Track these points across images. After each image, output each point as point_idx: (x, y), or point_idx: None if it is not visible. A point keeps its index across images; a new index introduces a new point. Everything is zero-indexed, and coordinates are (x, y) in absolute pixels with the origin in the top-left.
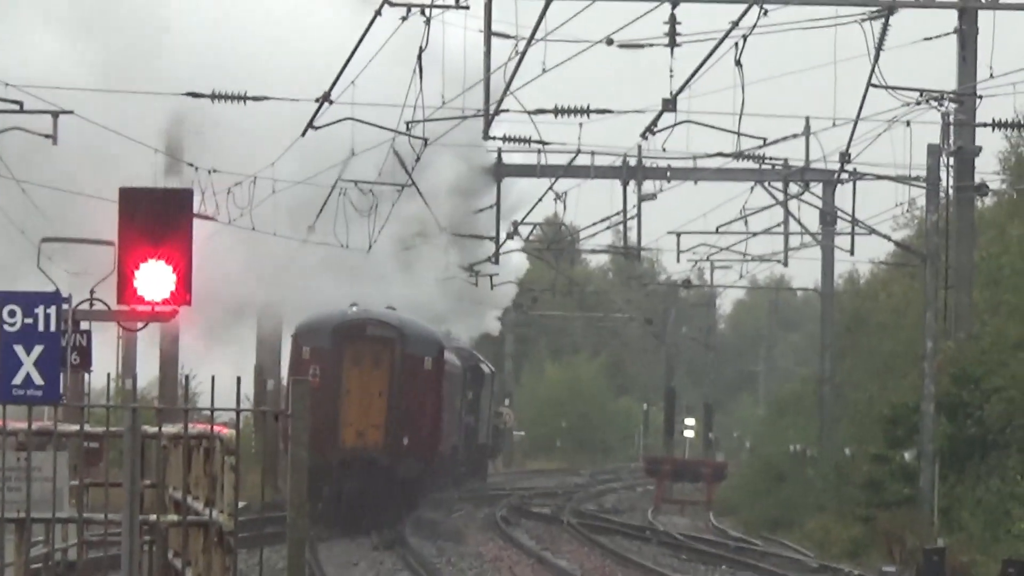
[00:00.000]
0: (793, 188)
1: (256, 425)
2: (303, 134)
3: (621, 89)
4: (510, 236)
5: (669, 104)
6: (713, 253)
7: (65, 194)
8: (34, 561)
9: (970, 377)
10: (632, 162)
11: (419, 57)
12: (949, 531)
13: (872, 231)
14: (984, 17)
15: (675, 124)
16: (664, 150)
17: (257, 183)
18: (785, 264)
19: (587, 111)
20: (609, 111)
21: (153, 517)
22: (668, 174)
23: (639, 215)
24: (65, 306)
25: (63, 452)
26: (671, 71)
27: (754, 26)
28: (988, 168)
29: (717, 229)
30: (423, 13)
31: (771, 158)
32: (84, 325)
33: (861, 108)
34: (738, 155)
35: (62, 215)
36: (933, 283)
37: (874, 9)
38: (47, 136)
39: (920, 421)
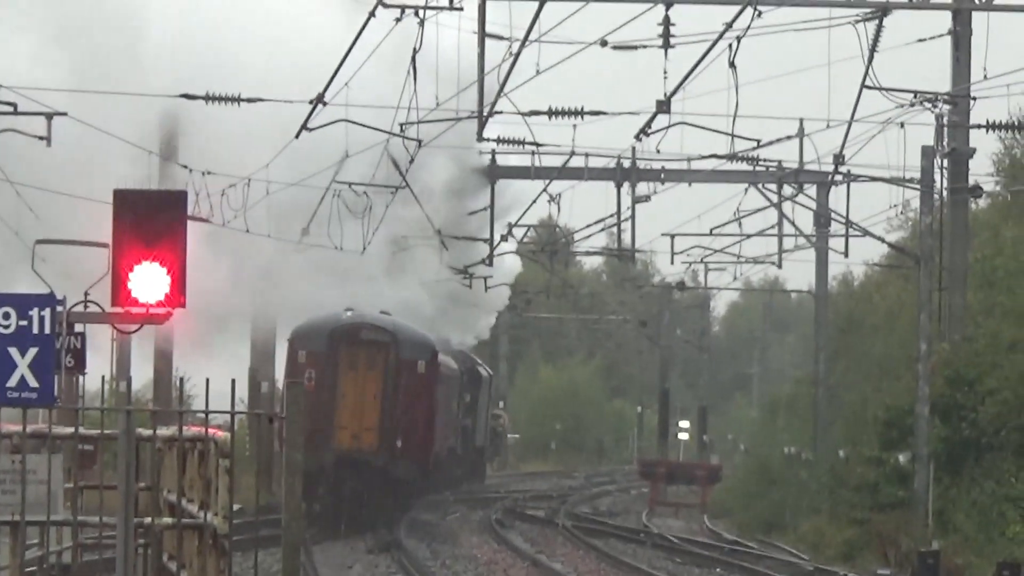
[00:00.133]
0: (787, 190)
1: (250, 428)
2: (297, 136)
3: (615, 91)
4: (504, 238)
5: (663, 106)
6: (707, 255)
7: (58, 196)
8: (29, 564)
9: (964, 379)
10: (626, 164)
11: (413, 59)
12: (943, 533)
13: (866, 233)
14: (978, 18)
15: (669, 126)
16: (658, 152)
17: (251, 185)
18: (779, 266)
19: (581, 113)
20: (603, 113)
21: (148, 520)
22: (662, 176)
23: (633, 217)
24: (59, 308)
25: (58, 455)
26: (665, 73)
27: (748, 27)
28: (982, 170)
29: (711, 231)
30: (417, 14)
31: (765, 160)
32: (78, 327)
33: (855, 110)
34: (732, 157)
35: (55, 217)
36: (927, 285)
37: (868, 10)
38: (41, 138)
39: (914, 423)
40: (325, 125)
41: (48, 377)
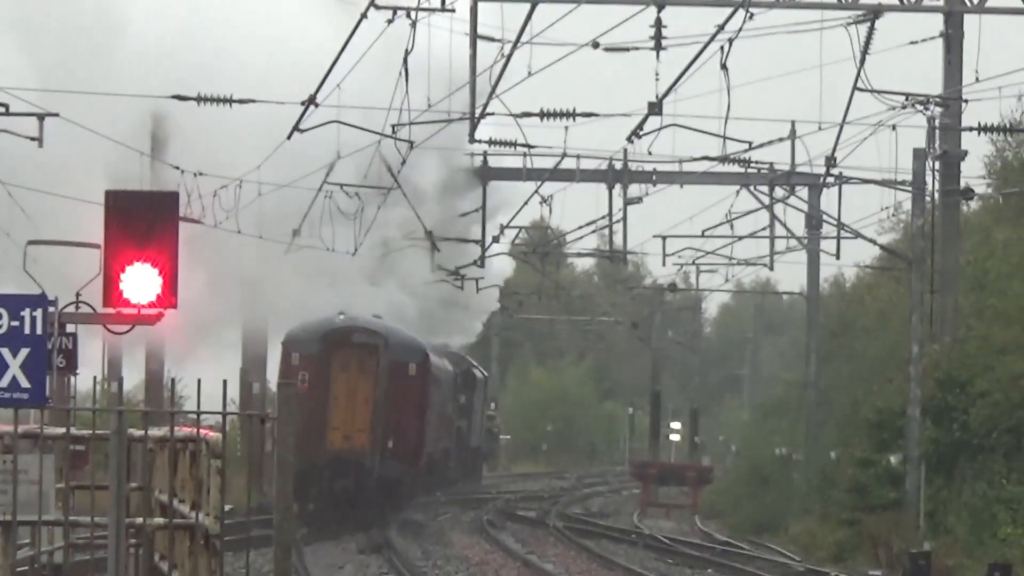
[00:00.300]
0: (779, 192)
1: (242, 428)
2: (289, 137)
3: (607, 92)
4: (496, 239)
5: (655, 108)
6: (699, 257)
7: (48, 196)
8: (20, 564)
9: (956, 381)
10: (618, 165)
11: (405, 60)
12: (935, 535)
13: (858, 235)
14: (970, 21)
15: (661, 128)
16: (650, 153)
17: (243, 186)
18: (771, 268)
19: (573, 114)
20: (595, 114)
21: (139, 520)
22: (654, 178)
23: (625, 219)
24: (51, 309)
25: (49, 455)
26: (657, 75)
27: (740, 30)
28: (974, 172)
29: (703, 233)
30: (409, 16)
31: (757, 162)
32: (70, 328)
33: (847, 112)
34: (724, 159)
35: (42, 216)
36: (919, 287)
37: (860, 13)
38: (32, 139)
39: (906, 425)
40: (317, 126)
41: (40, 377)
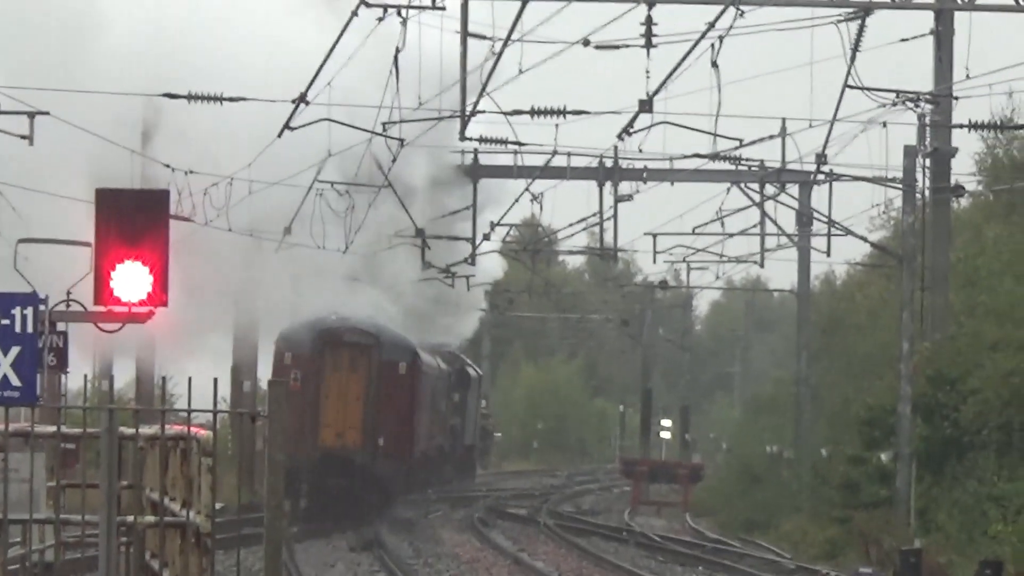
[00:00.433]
0: (769, 189)
1: (233, 427)
2: (279, 135)
3: (597, 90)
4: (486, 237)
5: (645, 105)
6: (689, 254)
7: (37, 194)
8: (11, 562)
9: (946, 378)
10: (608, 163)
11: (395, 58)
12: (925, 532)
13: (848, 232)
14: (960, 18)
15: (651, 125)
16: (640, 151)
17: (234, 184)
18: (761, 265)
19: (563, 112)
20: (585, 112)
21: (130, 518)
22: (644, 175)
23: (615, 216)
24: (42, 307)
25: (40, 453)
26: (647, 72)
27: (730, 27)
28: (964, 169)
29: (693, 230)
30: (399, 14)
31: (747, 159)
32: (61, 326)
33: (837, 109)
34: (714, 156)
35: (34, 216)
36: (909, 284)
37: (850, 10)
38: (23, 137)
39: (896, 422)
40: (307, 124)
41: (30, 376)
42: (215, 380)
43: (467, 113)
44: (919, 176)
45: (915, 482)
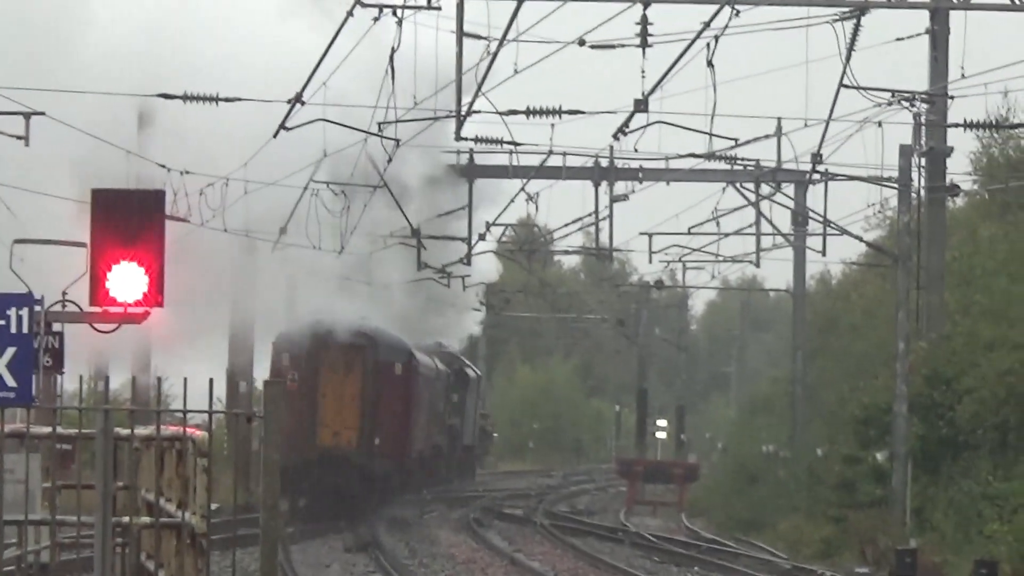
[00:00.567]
0: (765, 189)
1: (228, 427)
2: (275, 135)
3: (593, 90)
4: (482, 237)
5: (641, 105)
6: (685, 254)
7: (31, 194)
8: (7, 563)
9: (942, 378)
10: (604, 163)
11: (391, 58)
12: (921, 532)
13: (844, 232)
14: (955, 17)
15: (647, 125)
16: (636, 151)
17: (229, 185)
18: (757, 265)
19: (559, 112)
20: (581, 112)
21: (126, 519)
22: (640, 175)
23: (611, 216)
24: (37, 308)
25: (36, 454)
26: (643, 72)
27: (726, 27)
28: (960, 169)
29: (689, 230)
30: (395, 14)
31: (743, 159)
32: (56, 327)
33: (833, 109)
34: (710, 156)
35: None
36: (905, 284)
37: (846, 9)
38: (19, 137)
39: (892, 422)
40: (303, 125)
41: (26, 377)
42: (211, 381)
43: (462, 113)
44: (914, 175)
45: (911, 481)
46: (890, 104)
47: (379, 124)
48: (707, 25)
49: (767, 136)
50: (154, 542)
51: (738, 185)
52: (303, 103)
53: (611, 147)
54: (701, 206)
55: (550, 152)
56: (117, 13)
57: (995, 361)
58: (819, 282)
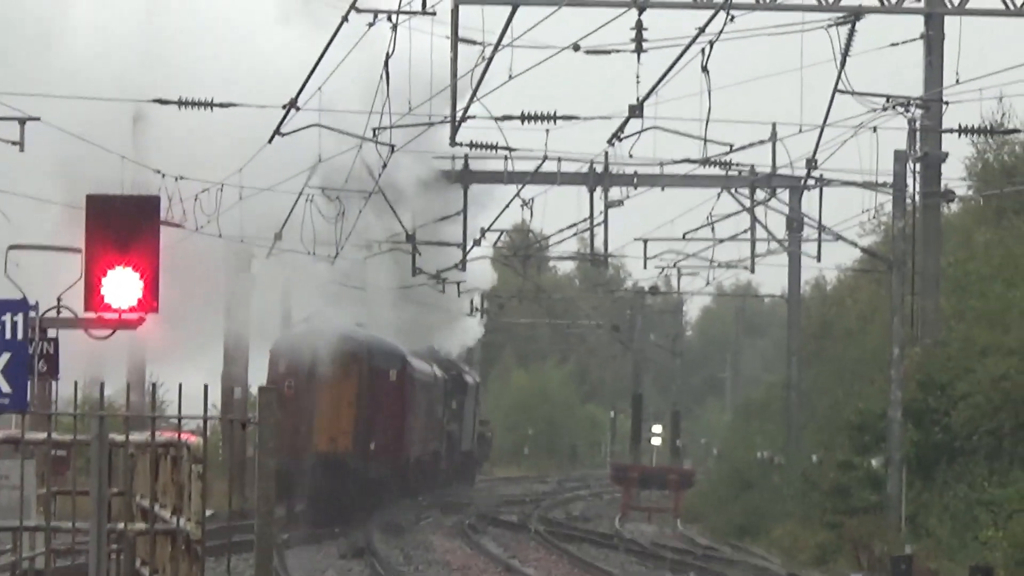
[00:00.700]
0: (760, 194)
1: (223, 433)
2: (270, 141)
3: (588, 95)
4: (476, 243)
5: (635, 110)
6: (680, 259)
7: (29, 200)
8: (1, 569)
9: (937, 383)
10: (599, 168)
11: (386, 63)
12: (916, 538)
13: (839, 237)
14: (950, 22)
15: (642, 130)
16: (631, 156)
17: (224, 190)
18: (752, 270)
19: (554, 117)
20: (576, 117)
21: (121, 525)
22: (635, 180)
23: (606, 221)
24: (32, 313)
25: (30, 460)
26: (637, 77)
27: (720, 32)
28: (954, 174)
29: (684, 235)
30: (390, 19)
31: (738, 164)
32: (51, 333)
33: (828, 114)
34: (705, 161)
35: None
36: (900, 289)
37: (840, 15)
38: (14, 143)
39: (887, 427)
40: (298, 130)
41: (21, 383)
42: (205, 387)
43: (457, 118)
44: (909, 181)
45: (906, 487)
46: (885, 109)
47: (374, 130)
48: (702, 30)
49: (762, 141)
50: (149, 548)
51: (733, 191)
52: (298, 109)
53: (606, 152)
54: (696, 212)
55: (545, 157)
56: (110, 17)
57: (990, 367)
58: (814, 288)
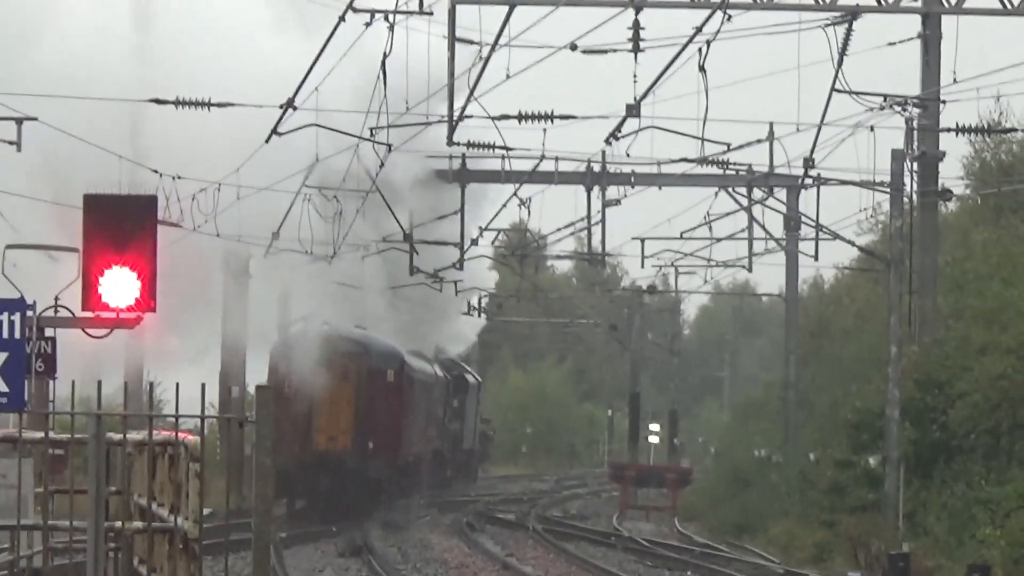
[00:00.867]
0: (757, 193)
1: (221, 432)
2: (267, 140)
3: (585, 95)
4: (474, 242)
5: (633, 110)
6: (677, 259)
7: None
8: None
9: (934, 382)
10: (596, 168)
11: (383, 63)
12: (914, 536)
13: (836, 236)
14: (947, 21)
15: (639, 130)
16: (628, 156)
17: (221, 190)
18: (749, 269)
19: (551, 117)
20: (573, 117)
21: (118, 524)
22: (632, 180)
23: (603, 221)
24: (29, 313)
25: (28, 459)
26: (635, 77)
27: (717, 31)
28: (952, 173)
29: (681, 235)
30: (387, 19)
31: (735, 163)
32: (49, 332)
33: (825, 113)
34: (702, 161)
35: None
36: (897, 288)
37: (837, 14)
38: (11, 143)
39: (885, 426)
40: (295, 130)
41: (18, 382)
42: (203, 385)
43: (454, 118)
44: (907, 180)
45: (903, 486)
46: (882, 108)
47: (371, 129)
48: (699, 30)
49: (759, 141)
50: (147, 547)
51: (730, 190)
52: (295, 108)
53: (603, 152)
54: (693, 211)
55: (542, 157)
56: (109, 17)
57: (988, 365)
58: (811, 286)
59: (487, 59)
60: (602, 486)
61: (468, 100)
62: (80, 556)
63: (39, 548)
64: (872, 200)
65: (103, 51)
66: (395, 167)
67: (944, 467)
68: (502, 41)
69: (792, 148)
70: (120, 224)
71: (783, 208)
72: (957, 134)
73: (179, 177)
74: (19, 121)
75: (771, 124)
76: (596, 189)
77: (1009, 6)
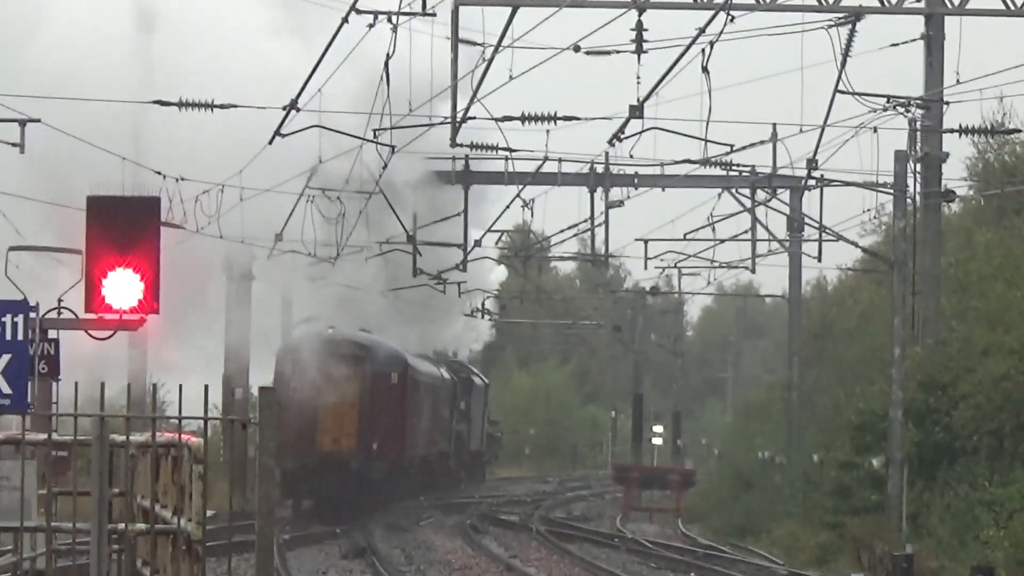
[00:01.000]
0: (760, 194)
1: (224, 434)
2: (270, 142)
3: (588, 96)
4: (477, 243)
5: (636, 111)
6: (681, 260)
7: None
8: (2, 570)
9: (938, 383)
10: (599, 169)
11: (386, 64)
12: (917, 537)
13: (839, 237)
14: (951, 22)
15: (642, 131)
16: (631, 157)
17: (225, 191)
18: (753, 271)
19: (554, 118)
20: (576, 118)
21: (121, 526)
22: (635, 181)
23: (607, 222)
24: (32, 314)
25: (31, 461)
26: (638, 78)
27: (721, 32)
28: (955, 174)
29: (685, 236)
30: (390, 20)
31: (738, 164)
32: (52, 333)
33: (828, 114)
34: (705, 162)
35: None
36: (900, 289)
37: (841, 15)
38: (14, 144)
39: (888, 427)
40: (298, 131)
41: (21, 384)
42: (206, 387)
43: (458, 119)
44: (910, 181)
45: (907, 487)
46: (885, 109)
47: (374, 131)
48: (702, 31)
49: (762, 142)
50: (150, 549)
51: (733, 191)
52: (298, 110)
53: (606, 153)
54: (696, 212)
55: (545, 158)
56: (110, 19)
57: (991, 367)
58: (815, 288)
59: (490, 60)
60: (605, 488)
61: (471, 101)
62: (83, 558)
63: (42, 550)
64: (875, 201)
65: (105, 53)
66: (398, 169)
67: (948, 468)
68: (505, 42)
69: (795, 149)
70: (123, 226)
71: (786, 209)
72: (960, 135)
73: (182, 179)
74: (22, 123)
75: (774, 125)
76: (599, 190)
77: (1013, 7)
